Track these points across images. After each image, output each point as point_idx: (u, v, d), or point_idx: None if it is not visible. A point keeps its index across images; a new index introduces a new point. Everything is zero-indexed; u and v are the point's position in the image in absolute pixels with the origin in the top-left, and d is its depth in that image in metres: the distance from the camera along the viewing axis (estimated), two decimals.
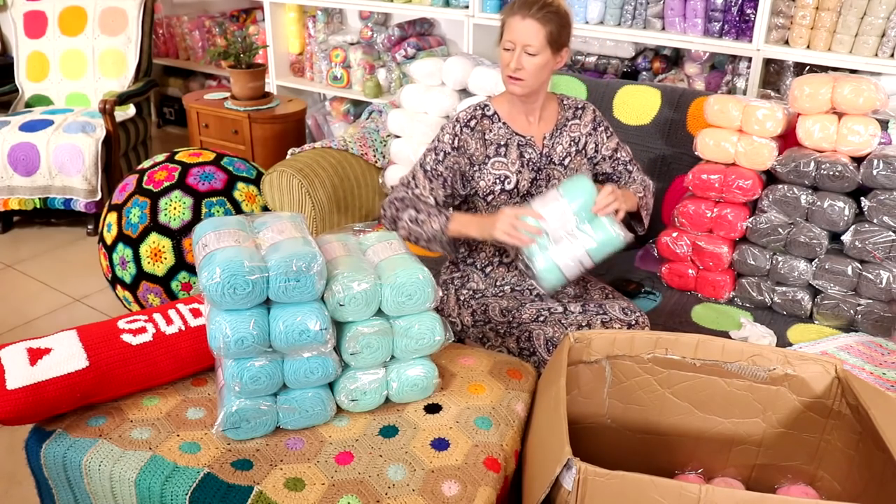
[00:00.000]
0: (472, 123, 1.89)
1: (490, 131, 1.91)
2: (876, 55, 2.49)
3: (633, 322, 1.84)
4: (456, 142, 1.88)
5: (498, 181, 1.90)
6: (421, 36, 3.73)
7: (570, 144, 1.97)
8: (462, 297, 1.98)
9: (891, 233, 1.90)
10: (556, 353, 1.52)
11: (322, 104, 4.19)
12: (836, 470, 1.51)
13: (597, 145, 1.99)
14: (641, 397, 1.59)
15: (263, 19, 4.01)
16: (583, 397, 1.59)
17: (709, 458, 1.63)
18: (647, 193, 2.00)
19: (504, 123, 1.92)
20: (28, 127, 3.36)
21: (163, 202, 2.45)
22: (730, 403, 1.56)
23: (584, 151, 1.98)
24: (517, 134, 1.92)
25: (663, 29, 2.86)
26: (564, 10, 1.82)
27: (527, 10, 1.78)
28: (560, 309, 1.89)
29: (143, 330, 1.58)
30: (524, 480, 1.43)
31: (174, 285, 2.45)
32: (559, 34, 1.81)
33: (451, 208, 1.92)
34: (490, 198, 1.92)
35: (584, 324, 1.81)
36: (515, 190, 1.92)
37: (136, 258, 2.44)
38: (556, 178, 1.95)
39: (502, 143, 1.91)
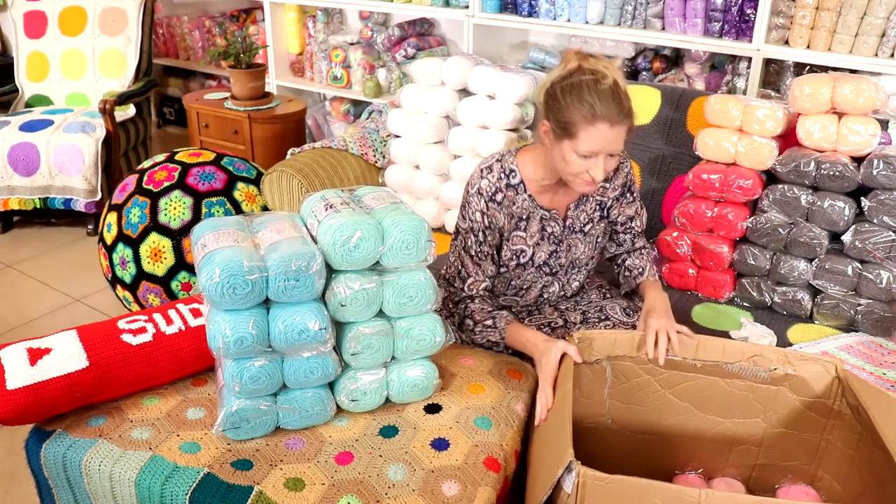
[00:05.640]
0: (499, 198, 1.73)
1: (514, 204, 1.75)
2: (876, 55, 2.49)
3: (637, 323, 1.84)
4: (486, 220, 1.74)
5: (514, 256, 1.80)
6: (421, 36, 3.73)
7: (594, 210, 1.83)
8: None
9: (891, 233, 1.90)
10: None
11: (322, 104, 4.19)
12: (836, 470, 1.51)
13: (618, 210, 1.87)
14: (642, 398, 1.59)
15: (263, 19, 4.01)
16: (584, 397, 1.59)
17: (709, 459, 1.63)
18: (654, 266, 1.90)
19: (529, 196, 1.76)
20: (28, 127, 3.36)
21: (163, 202, 2.45)
22: (730, 404, 1.56)
23: (606, 214, 1.86)
24: (541, 208, 1.78)
25: (663, 29, 2.86)
26: (627, 89, 1.60)
27: (615, 117, 1.54)
28: (560, 322, 1.88)
29: (143, 330, 1.58)
30: (528, 481, 1.43)
31: (174, 285, 2.45)
32: (634, 122, 1.62)
33: (506, 315, 1.77)
34: (503, 270, 1.83)
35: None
36: (531, 262, 1.82)
37: (136, 258, 2.44)
38: (575, 246, 1.84)
39: (524, 216, 1.77)
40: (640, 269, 1.89)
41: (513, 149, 1.81)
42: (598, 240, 1.89)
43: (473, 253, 1.77)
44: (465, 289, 1.79)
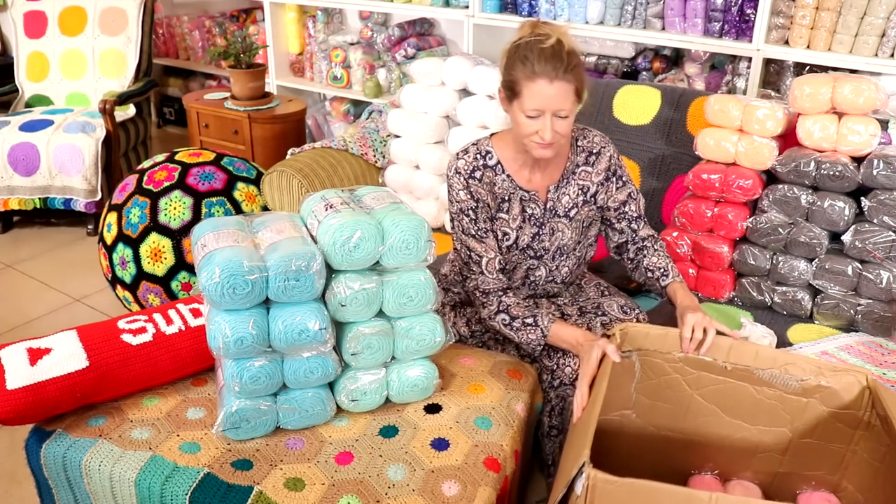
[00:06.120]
0: (477, 175, 1.75)
1: (494, 184, 1.77)
2: (876, 55, 2.49)
3: (634, 320, 1.83)
4: (471, 195, 1.74)
5: (501, 238, 1.80)
6: (421, 36, 3.73)
7: (577, 194, 1.82)
8: (457, 301, 1.97)
9: (891, 233, 1.90)
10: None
11: (322, 104, 4.19)
12: (860, 481, 1.48)
13: (606, 195, 1.85)
14: (669, 396, 1.57)
15: (263, 19, 4.01)
16: (610, 389, 1.55)
17: (729, 462, 1.61)
18: (670, 261, 1.84)
19: (508, 176, 1.77)
20: (28, 127, 3.36)
21: (163, 202, 2.45)
22: (758, 410, 1.53)
23: (593, 200, 1.84)
24: (520, 188, 1.78)
25: (663, 29, 2.85)
26: (578, 51, 1.61)
27: (553, 73, 1.55)
28: (558, 315, 1.88)
29: (143, 330, 1.58)
30: (555, 481, 1.41)
31: (174, 285, 2.45)
32: (583, 83, 1.62)
33: (547, 312, 1.76)
34: None
35: (582, 327, 1.79)
36: (514, 245, 1.82)
37: (136, 258, 2.44)
38: (559, 231, 1.83)
39: (505, 197, 1.78)
40: (663, 270, 1.83)
41: (488, 134, 1.84)
42: (586, 226, 1.88)
43: (473, 232, 1.76)
44: (485, 270, 1.76)
